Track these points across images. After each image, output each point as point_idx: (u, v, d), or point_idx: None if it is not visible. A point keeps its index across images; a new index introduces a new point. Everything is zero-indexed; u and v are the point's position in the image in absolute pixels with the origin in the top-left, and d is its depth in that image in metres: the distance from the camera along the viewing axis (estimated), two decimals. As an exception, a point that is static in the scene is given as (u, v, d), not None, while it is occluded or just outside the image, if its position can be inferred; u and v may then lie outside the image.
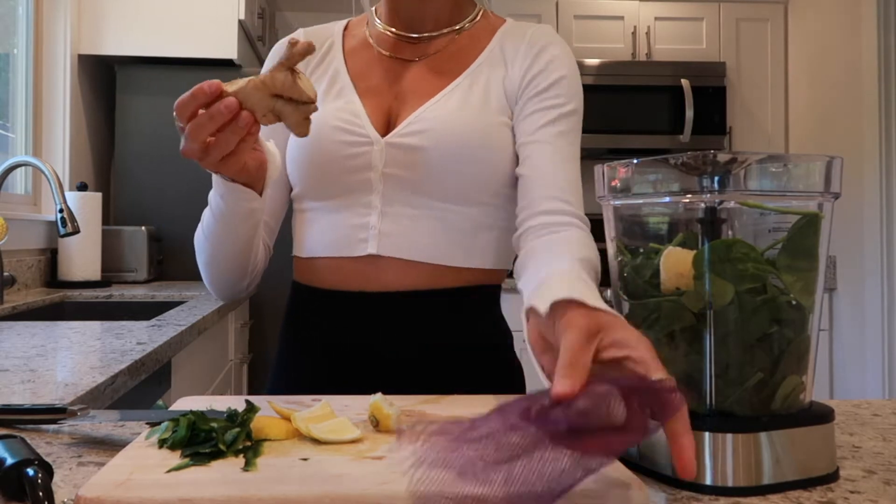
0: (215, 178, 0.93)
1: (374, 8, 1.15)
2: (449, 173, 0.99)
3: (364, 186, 1.02)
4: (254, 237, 1.02)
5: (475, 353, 1.05)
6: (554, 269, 0.79)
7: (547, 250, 0.89)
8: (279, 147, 1.05)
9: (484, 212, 1.03)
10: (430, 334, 1.03)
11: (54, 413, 0.81)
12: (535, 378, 0.72)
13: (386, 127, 1.03)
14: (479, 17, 1.12)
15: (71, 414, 0.81)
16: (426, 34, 1.09)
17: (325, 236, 1.05)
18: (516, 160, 1.02)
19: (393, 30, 1.10)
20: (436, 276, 1.02)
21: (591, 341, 0.60)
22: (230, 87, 0.77)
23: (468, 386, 0.92)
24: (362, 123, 1.02)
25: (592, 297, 0.65)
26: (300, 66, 0.84)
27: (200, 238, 1.04)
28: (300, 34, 1.14)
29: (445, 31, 1.09)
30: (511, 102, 1.03)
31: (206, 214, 1.00)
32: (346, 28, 1.16)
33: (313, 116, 0.90)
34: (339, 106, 1.05)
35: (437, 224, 1.01)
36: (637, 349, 0.59)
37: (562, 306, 0.64)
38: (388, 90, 1.06)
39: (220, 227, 0.98)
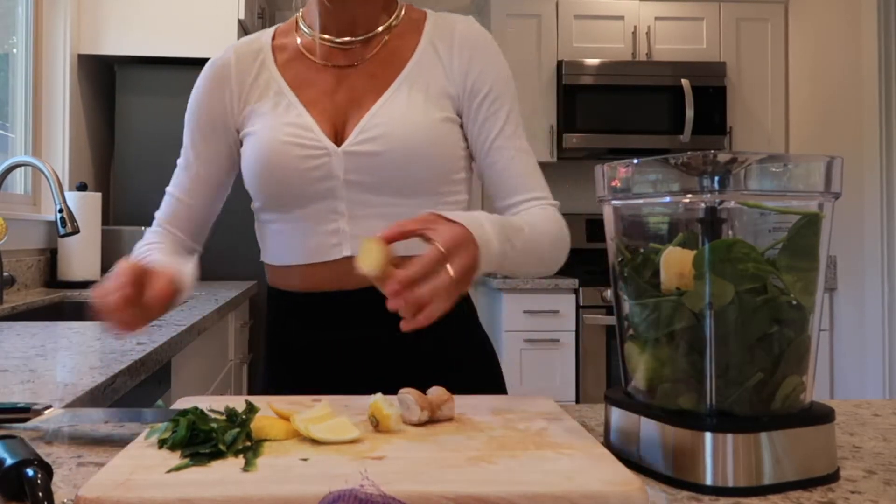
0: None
1: (300, 16, 1.17)
2: (406, 171, 1.06)
3: (328, 194, 1.07)
4: None
5: (450, 339, 1.11)
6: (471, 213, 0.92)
7: None
8: (212, 167, 1.15)
9: (440, 199, 1.09)
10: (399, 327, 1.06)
11: (18, 412, 0.81)
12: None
13: (336, 135, 1.08)
14: (402, 14, 1.15)
15: (35, 413, 0.81)
16: (358, 38, 1.12)
17: (295, 245, 1.11)
18: (466, 152, 1.12)
19: (325, 36, 1.13)
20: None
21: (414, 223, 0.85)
22: None
23: (449, 370, 1.03)
24: (316, 136, 1.07)
25: (464, 217, 0.86)
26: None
27: None
28: (230, 52, 1.17)
29: (377, 31, 1.13)
30: (455, 102, 1.11)
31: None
32: (273, 39, 1.18)
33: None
34: (289, 120, 1.09)
35: (401, 219, 1.03)
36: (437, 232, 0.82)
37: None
38: (331, 99, 1.10)
39: None
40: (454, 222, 0.85)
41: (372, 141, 1.06)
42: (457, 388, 0.85)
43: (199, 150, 1.16)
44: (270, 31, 1.20)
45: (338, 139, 1.08)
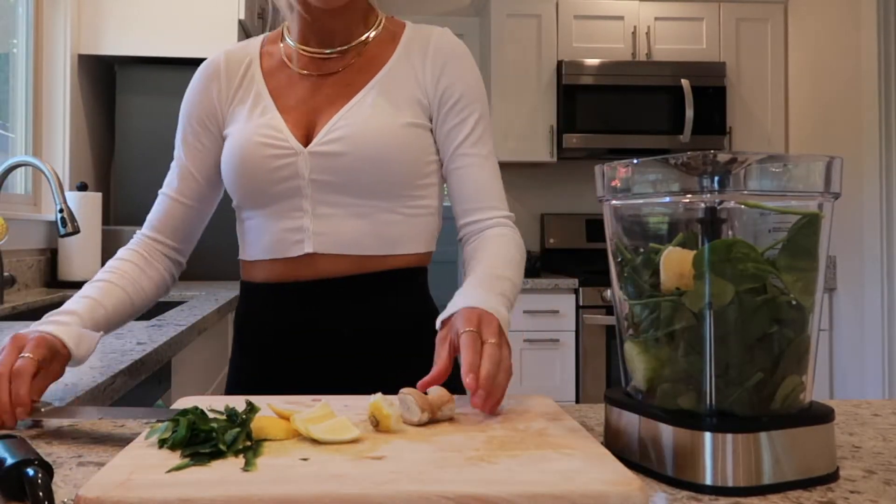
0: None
1: (286, 26, 1.22)
2: (369, 174, 1.10)
3: (293, 193, 1.12)
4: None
5: (405, 330, 1.16)
6: (463, 288, 1.00)
7: (472, 258, 1.10)
8: (203, 165, 1.19)
9: (403, 203, 1.14)
10: (362, 313, 1.14)
11: None
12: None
13: (307, 138, 1.13)
14: (381, 26, 1.20)
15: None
16: (337, 49, 1.17)
17: (263, 241, 1.16)
18: (436, 158, 1.17)
19: (306, 48, 1.18)
20: (364, 264, 1.13)
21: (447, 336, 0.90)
22: None
23: (402, 359, 1.09)
24: (284, 137, 1.12)
25: (462, 301, 0.93)
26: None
27: None
28: (221, 56, 1.22)
29: (354, 43, 1.18)
30: (426, 110, 1.16)
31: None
32: (262, 46, 1.23)
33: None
34: (262, 122, 1.14)
35: (364, 219, 1.12)
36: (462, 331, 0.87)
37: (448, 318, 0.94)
38: (306, 105, 1.16)
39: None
40: (463, 310, 0.91)
41: (336, 142, 1.10)
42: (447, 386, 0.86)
43: (190, 146, 1.20)
44: (261, 38, 1.25)
45: (307, 142, 1.12)
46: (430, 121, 1.16)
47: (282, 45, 1.21)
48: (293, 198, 1.12)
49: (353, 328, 1.14)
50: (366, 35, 1.18)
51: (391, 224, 1.14)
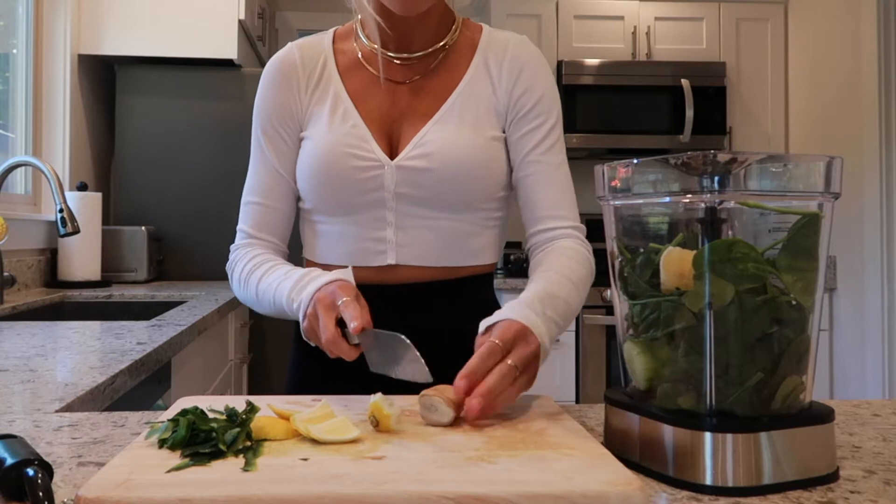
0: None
1: (359, 22, 1.18)
2: (454, 188, 1.10)
3: (377, 204, 1.11)
4: None
5: (474, 331, 1.13)
6: (517, 301, 0.97)
7: (536, 270, 1.09)
8: (290, 165, 1.16)
9: (484, 215, 1.15)
10: (436, 315, 1.14)
11: None
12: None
13: (390, 148, 1.12)
14: (458, 31, 1.18)
15: None
16: (415, 54, 1.15)
17: (341, 247, 1.14)
18: (509, 168, 1.16)
19: (379, 48, 1.14)
20: (443, 273, 1.14)
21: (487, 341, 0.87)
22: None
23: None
24: (371, 148, 1.11)
25: (509, 312, 0.91)
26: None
27: (250, 300, 1.14)
28: (294, 50, 1.17)
29: (431, 49, 1.15)
30: (501, 119, 1.15)
31: (267, 299, 1.09)
32: (334, 43, 1.20)
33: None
34: (346, 130, 1.12)
35: (445, 232, 1.13)
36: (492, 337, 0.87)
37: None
38: (387, 112, 1.14)
39: (275, 313, 1.10)
40: (506, 321, 0.89)
41: (425, 157, 1.09)
42: None
43: (276, 147, 1.16)
44: (330, 33, 1.21)
45: (391, 153, 1.12)
46: (503, 130, 1.15)
47: (355, 43, 1.18)
48: (376, 209, 1.11)
49: (427, 329, 1.10)
50: (444, 41, 1.16)
51: (471, 236, 1.14)
